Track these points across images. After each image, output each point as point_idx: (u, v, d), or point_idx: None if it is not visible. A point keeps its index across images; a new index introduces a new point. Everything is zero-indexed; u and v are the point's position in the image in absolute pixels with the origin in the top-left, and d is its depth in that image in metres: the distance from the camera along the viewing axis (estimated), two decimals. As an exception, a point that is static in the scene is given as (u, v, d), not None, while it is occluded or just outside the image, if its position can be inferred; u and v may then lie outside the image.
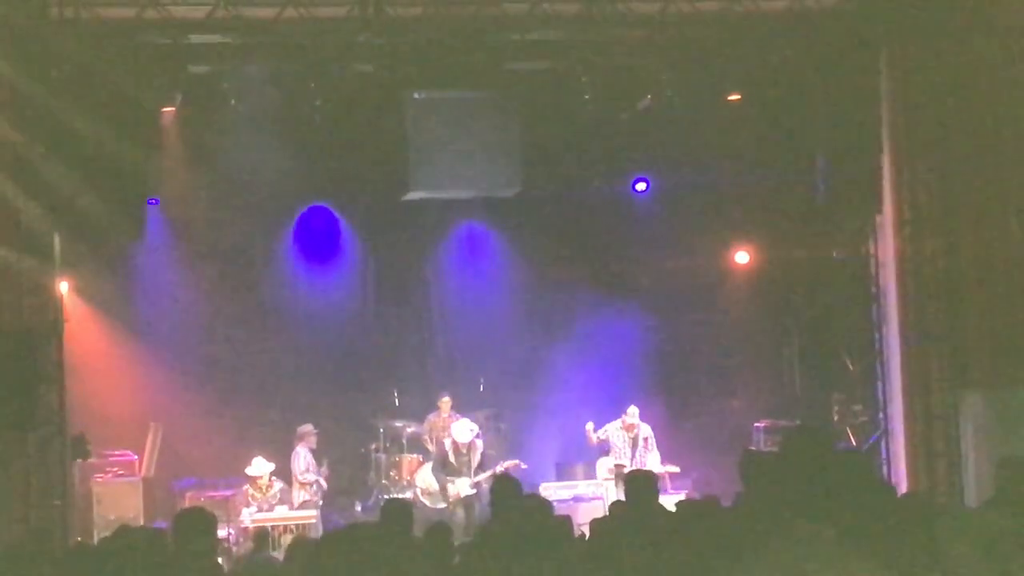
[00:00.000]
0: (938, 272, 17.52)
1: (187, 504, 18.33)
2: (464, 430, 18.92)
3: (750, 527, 5.14)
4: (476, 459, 19.02)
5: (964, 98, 17.21)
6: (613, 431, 19.02)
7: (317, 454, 18.88)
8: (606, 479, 18.89)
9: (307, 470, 18.73)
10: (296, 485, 18.62)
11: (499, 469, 18.60)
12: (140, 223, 17.12)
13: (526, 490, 15.43)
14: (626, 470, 18.51)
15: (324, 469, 18.79)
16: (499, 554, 7.08)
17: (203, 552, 2.93)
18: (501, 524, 8.40)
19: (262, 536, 17.08)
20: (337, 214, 20.62)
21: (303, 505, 18.44)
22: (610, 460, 18.97)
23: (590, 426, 19.00)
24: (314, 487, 18.63)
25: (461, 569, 8.33)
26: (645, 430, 19.03)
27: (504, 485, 9.42)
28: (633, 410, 19.00)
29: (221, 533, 16.00)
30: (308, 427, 18.94)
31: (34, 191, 15.95)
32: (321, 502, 18.61)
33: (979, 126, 17.21)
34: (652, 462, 18.58)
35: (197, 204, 19.28)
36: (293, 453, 18.73)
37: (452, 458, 18.99)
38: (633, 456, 18.90)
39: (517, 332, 20.70)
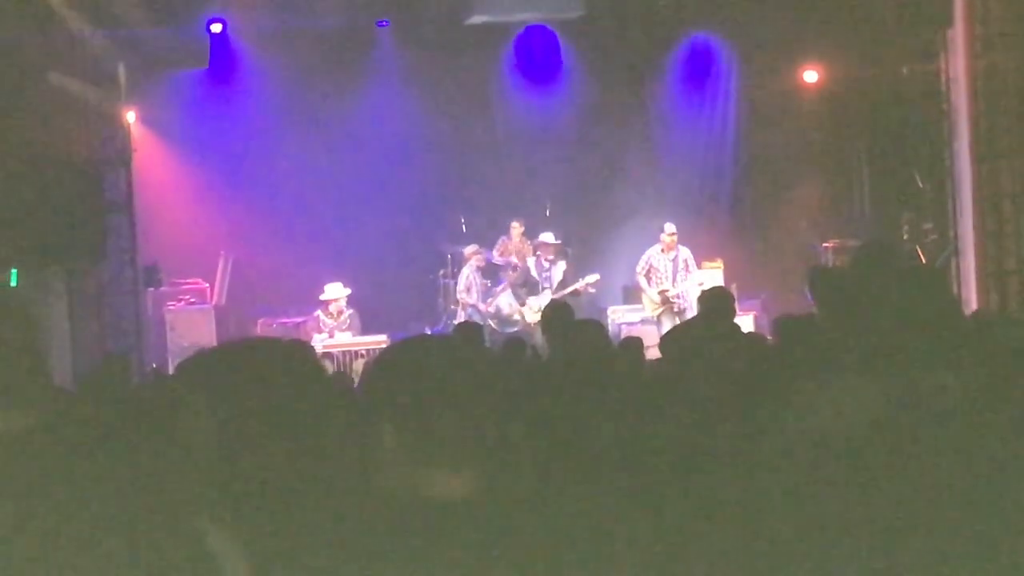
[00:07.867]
0: (1009, 87, 17.20)
1: (259, 329, 18.56)
2: (551, 235, 19.14)
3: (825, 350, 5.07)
4: (558, 276, 19.09)
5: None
6: (654, 255, 18.45)
7: (486, 270, 19.29)
8: (655, 311, 18.39)
9: (466, 290, 19.01)
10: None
11: (580, 285, 18.70)
12: (204, 49, 17.05)
13: (593, 315, 15.43)
14: (670, 294, 18.38)
15: (511, 271, 19.15)
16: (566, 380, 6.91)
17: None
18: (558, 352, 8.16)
19: None
20: (399, 41, 20.33)
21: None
22: (653, 290, 18.40)
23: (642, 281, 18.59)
24: (469, 309, 18.87)
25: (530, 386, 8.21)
26: (684, 252, 18.51)
27: (555, 312, 9.09)
28: (669, 226, 18.40)
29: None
30: (473, 247, 19.25)
31: (97, 20, 15.93)
32: (486, 321, 18.46)
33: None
34: (692, 283, 18.06)
35: (262, 25, 19.00)
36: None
37: (535, 272, 19.10)
38: (674, 280, 18.34)
39: (583, 155, 20.56)
